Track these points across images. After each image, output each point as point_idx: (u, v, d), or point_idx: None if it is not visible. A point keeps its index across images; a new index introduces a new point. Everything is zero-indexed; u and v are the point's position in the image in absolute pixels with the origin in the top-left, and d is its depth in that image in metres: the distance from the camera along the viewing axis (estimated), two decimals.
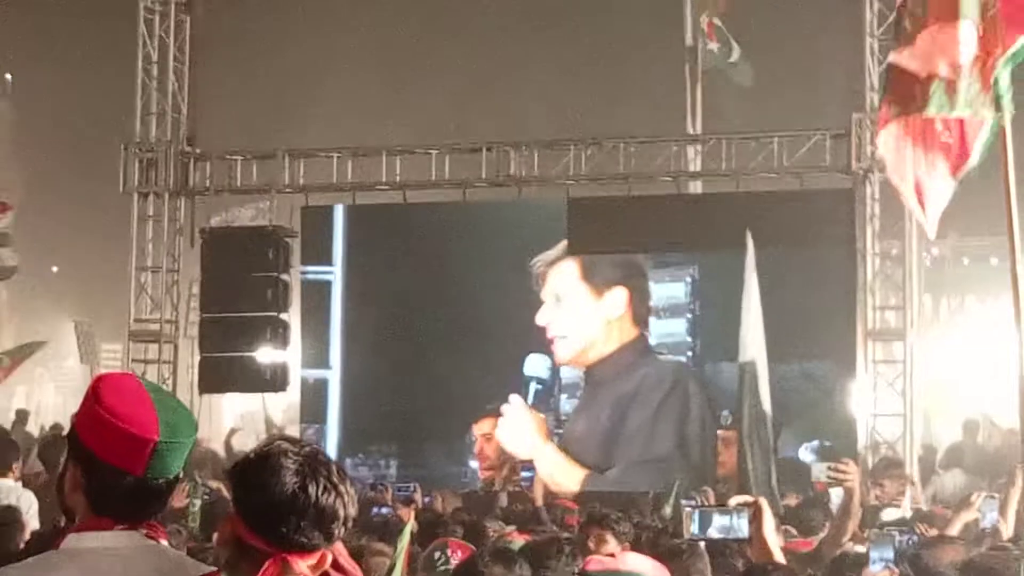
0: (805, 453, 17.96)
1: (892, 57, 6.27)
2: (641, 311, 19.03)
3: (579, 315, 19.14)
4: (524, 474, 18.49)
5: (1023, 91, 6.12)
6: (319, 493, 3.52)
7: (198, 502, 11.38)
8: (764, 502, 5.45)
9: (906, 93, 6.11)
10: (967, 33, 5.98)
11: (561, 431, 19.24)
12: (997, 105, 5.97)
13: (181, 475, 4.02)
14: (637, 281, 19.07)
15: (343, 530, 3.60)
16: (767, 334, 18.14)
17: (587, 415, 19.16)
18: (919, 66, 6.05)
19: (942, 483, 17.41)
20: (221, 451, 19.49)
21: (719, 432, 18.53)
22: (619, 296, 19.00)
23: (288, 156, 20.91)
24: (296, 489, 3.51)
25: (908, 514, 12.42)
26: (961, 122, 6.01)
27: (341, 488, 3.57)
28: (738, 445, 18.17)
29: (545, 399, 19.25)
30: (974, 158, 6.00)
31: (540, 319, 19.19)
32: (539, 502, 13.79)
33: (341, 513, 3.56)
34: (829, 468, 9.52)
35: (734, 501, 5.56)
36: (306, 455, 3.58)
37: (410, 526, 7.29)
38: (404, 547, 6.86)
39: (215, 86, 23.61)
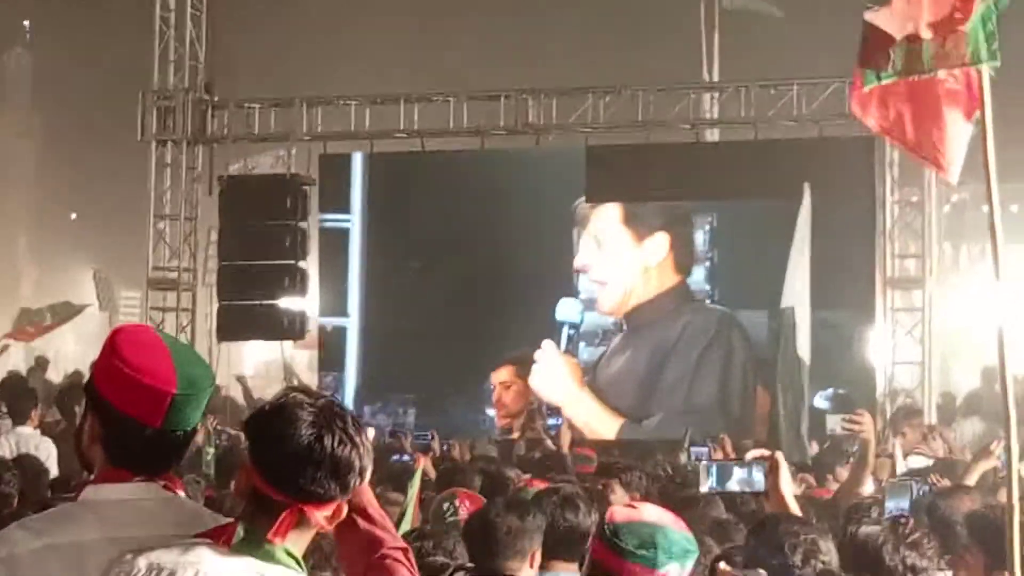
0: (820, 401, 17.94)
1: (868, 16, 6.15)
2: (683, 258, 18.92)
3: (619, 260, 19.04)
4: (551, 421, 18.43)
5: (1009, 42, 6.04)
6: (335, 444, 3.54)
7: (212, 450, 11.44)
8: (781, 456, 5.44)
9: (881, 56, 6.02)
10: None
11: (585, 380, 19.17)
12: (975, 57, 5.90)
13: (199, 427, 4.04)
14: (680, 227, 18.95)
15: (359, 481, 3.61)
16: (786, 282, 18.15)
17: (623, 362, 19.08)
18: (896, 27, 5.96)
19: (961, 431, 17.40)
20: (240, 398, 19.55)
21: None
22: (660, 242, 18.87)
23: (306, 104, 20.88)
24: (312, 440, 3.52)
25: (930, 462, 12.40)
26: (967, 69, 5.95)
27: (357, 439, 3.58)
28: (770, 391, 18.15)
29: (574, 346, 19.21)
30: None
31: (579, 261, 19.15)
32: (565, 449, 13.77)
33: (357, 464, 3.58)
34: (844, 419, 9.53)
35: (751, 455, 5.55)
36: (321, 406, 3.59)
37: (420, 472, 7.30)
38: (415, 493, 6.87)
39: (233, 33, 23.59)
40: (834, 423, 13.13)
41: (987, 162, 5.82)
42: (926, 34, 5.85)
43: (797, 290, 17.78)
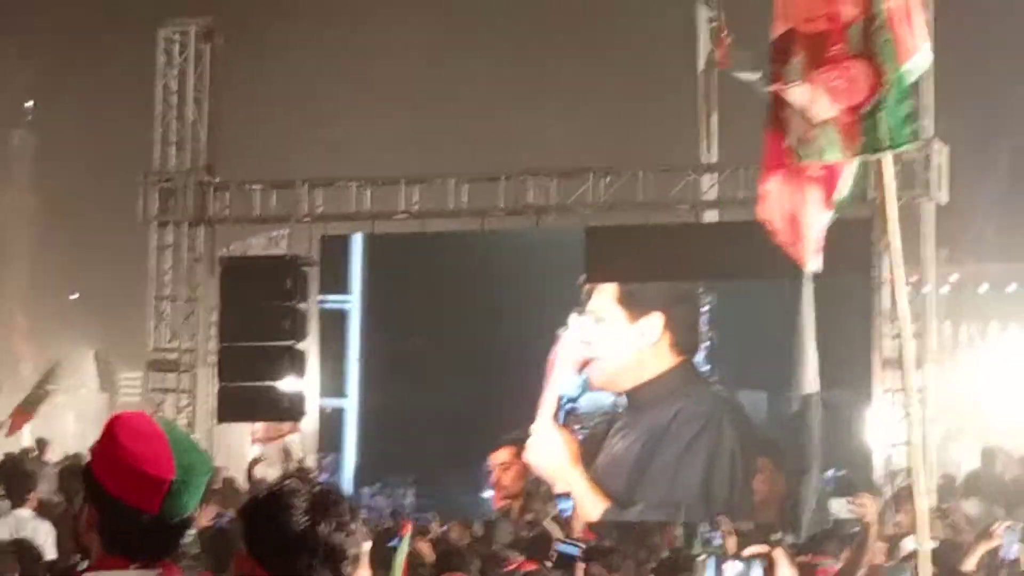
0: (823, 482, 17.89)
1: (782, 91, 5.99)
2: (684, 338, 18.87)
3: (614, 338, 19.03)
4: (561, 506, 18.35)
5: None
6: (330, 531, 3.57)
7: (191, 531, 11.42)
8: (779, 553, 5.38)
9: (804, 137, 5.92)
10: (863, 71, 5.82)
11: (585, 458, 19.11)
12: (889, 141, 5.81)
13: (196, 514, 4.06)
14: (681, 307, 18.91)
15: (353, 568, 3.64)
16: (784, 362, 18.17)
17: (620, 444, 19.03)
18: (817, 108, 5.85)
19: (961, 512, 17.31)
20: (242, 480, 19.47)
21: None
22: (654, 323, 18.84)
23: (307, 185, 20.95)
24: (307, 527, 3.56)
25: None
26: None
27: (351, 526, 3.62)
28: (784, 472, 18.10)
29: (571, 420, 19.16)
30: (844, 190, 5.92)
31: (578, 336, 19.14)
32: (577, 533, 13.66)
33: (351, 551, 3.61)
34: (848, 502, 9.54)
35: (749, 551, 5.51)
36: (316, 494, 3.63)
37: (407, 542, 7.28)
38: (402, 562, 6.86)
39: (234, 115, 23.70)
40: (838, 507, 13.11)
41: (892, 244, 5.78)
42: (846, 118, 5.81)
43: (811, 375, 17.74)
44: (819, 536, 12.29)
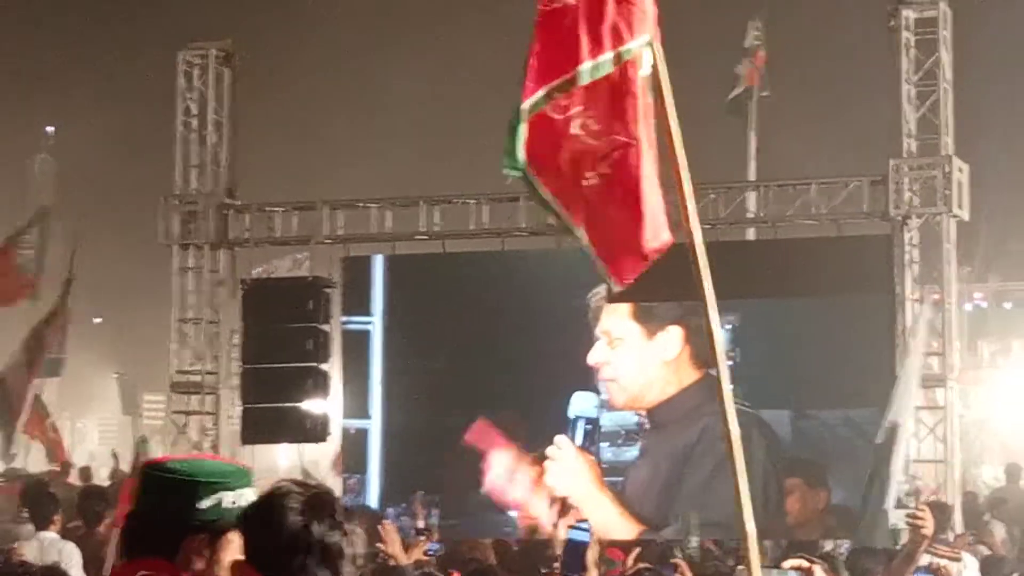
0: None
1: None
2: (703, 351, 18.75)
3: (633, 356, 18.87)
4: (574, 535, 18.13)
5: None
6: (325, 531, 3.60)
7: None
8: (818, 569, 5.23)
9: None
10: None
11: (607, 479, 18.99)
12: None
13: None
14: (695, 319, 18.68)
15: (352, 569, 3.66)
16: (807, 381, 18.14)
17: (646, 465, 18.89)
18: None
19: (989, 531, 17.24)
20: None
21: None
22: (673, 336, 18.71)
23: (328, 207, 20.99)
24: (300, 528, 3.59)
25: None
26: None
27: (347, 526, 3.66)
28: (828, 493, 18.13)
29: (591, 442, 19.04)
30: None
31: (592, 358, 19.03)
32: (591, 558, 13.55)
33: (348, 551, 3.64)
34: (908, 515, 9.56)
35: (788, 564, 5.38)
36: (310, 495, 3.66)
37: None
38: None
39: (254, 138, 23.76)
40: (896, 518, 13.17)
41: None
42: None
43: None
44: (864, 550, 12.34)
